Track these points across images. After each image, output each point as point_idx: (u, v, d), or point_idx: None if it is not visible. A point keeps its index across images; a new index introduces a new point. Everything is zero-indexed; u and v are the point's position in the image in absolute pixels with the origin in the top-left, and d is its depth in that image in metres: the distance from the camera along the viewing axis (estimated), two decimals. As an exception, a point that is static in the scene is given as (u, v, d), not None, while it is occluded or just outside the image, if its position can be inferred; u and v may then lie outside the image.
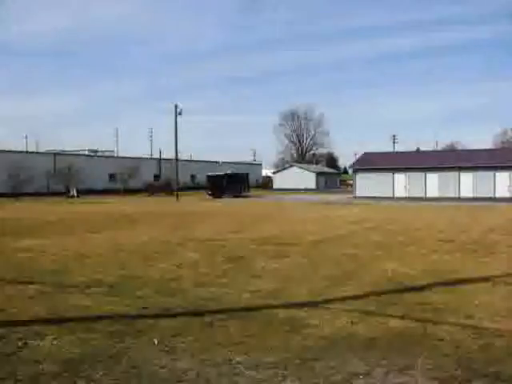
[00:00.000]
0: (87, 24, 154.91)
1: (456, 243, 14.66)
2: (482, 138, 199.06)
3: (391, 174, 52.09)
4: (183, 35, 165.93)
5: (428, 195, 49.24)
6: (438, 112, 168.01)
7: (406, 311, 7.13)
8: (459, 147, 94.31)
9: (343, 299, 7.91)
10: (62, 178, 59.29)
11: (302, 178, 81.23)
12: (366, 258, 12.09)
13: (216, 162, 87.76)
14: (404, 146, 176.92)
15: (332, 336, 6.11)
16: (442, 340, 5.94)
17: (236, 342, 5.88)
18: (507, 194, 46.29)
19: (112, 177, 68.32)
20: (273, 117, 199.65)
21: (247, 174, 63.35)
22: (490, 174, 47.64)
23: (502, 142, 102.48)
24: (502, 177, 47.36)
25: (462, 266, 10.87)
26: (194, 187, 75.19)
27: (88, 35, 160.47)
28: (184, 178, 71.59)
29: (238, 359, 5.35)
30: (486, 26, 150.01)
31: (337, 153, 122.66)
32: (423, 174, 50.72)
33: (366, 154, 59.91)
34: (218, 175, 58.51)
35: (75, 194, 56.71)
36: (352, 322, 6.64)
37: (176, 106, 51.52)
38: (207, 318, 6.83)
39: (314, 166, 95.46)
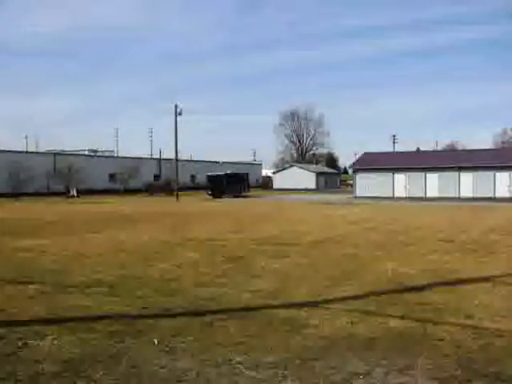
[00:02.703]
0: (87, 23, 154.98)
1: (456, 243, 14.66)
2: (482, 138, 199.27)
3: (391, 173, 52.08)
4: (183, 35, 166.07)
5: (428, 195, 49.22)
6: (438, 112, 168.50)
7: (406, 311, 7.14)
8: (459, 147, 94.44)
9: (343, 299, 7.91)
10: (62, 178, 59.19)
11: (301, 177, 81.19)
12: (366, 257, 12.09)
13: (216, 162, 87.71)
14: (404, 145, 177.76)
15: (332, 336, 6.11)
16: (442, 340, 5.94)
17: (236, 342, 5.88)
18: (507, 194, 46.28)
19: (112, 177, 68.22)
20: (273, 117, 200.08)
21: (247, 174, 63.27)
22: (490, 173, 47.62)
23: (502, 142, 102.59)
24: (502, 177, 47.34)
25: (462, 265, 10.87)
26: (194, 187, 75.10)
27: (88, 35, 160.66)
28: (184, 178, 71.51)
29: (238, 359, 5.35)
30: (486, 25, 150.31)
31: (337, 153, 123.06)
32: (423, 174, 50.70)
33: (365, 154, 59.90)
34: (218, 175, 58.41)
35: (75, 194, 56.66)
36: (352, 322, 6.64)
37: (176, 106, 51.47)
38: (207, 318, 6.83)
39: (314, 165, 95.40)
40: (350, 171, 67.21)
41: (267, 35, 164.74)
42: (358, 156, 66.24)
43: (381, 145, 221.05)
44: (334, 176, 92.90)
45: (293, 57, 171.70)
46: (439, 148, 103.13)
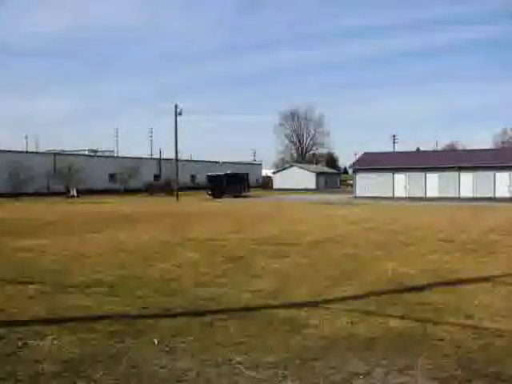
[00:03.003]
0: (87, 23, 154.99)
1: (456, 243, 14.66)
2: (482, 138, 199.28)
3: (391, 173, 52.09)
4: (183, 35, 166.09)
5: (428, 195, 49.23)
6: (438, 112, 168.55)
7: (406, 311, 7.13)
8: (459, 147, 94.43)
9: (343, 299, 7.91)
10: (62, 178, 59.17)
11: (301, 177, 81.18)
12: (366, 257, 12.09)
13: (216, 162, 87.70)
14: (404, 146, 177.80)
15: (332, 336, 6.11)
16: (442, 340, 5.94)
17: (236, 342, 5.88)
18: (507, 194, 46.29)
19: (112, 177, 68.20)
20: (273, 117, 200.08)
21: (247, 174, 63.25)
22: (490, 173, 47.62)
23: (502, 142, 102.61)
24: (502, 177, 47.34)
25: (462, 265, 10.88)
26: (194, 187, 75.10)
27: (88, 35, 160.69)
28: (184, 178, 71.51)
29: (238, 359, 5.35)
30: (486, 25, 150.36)
31: (337, 153, 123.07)
32: (423, 174, 50.71)
33: (366, 154, 59.91)
34: (218, 175, 58.40)
35: (75, 194, 56.66)
36: (352, 322, 6.64)
37: (176, 106, 51.45)
38: (207, 318, 6.83)
39: (314, 165, 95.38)
40: (350, 171, 67.22)
41: (267, 35, 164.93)
42: (358, 156, 66.28)
43: (381, 145, 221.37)
44: (334, 176, 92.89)
45: (293, 57, 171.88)
46: (439, 148, 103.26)
